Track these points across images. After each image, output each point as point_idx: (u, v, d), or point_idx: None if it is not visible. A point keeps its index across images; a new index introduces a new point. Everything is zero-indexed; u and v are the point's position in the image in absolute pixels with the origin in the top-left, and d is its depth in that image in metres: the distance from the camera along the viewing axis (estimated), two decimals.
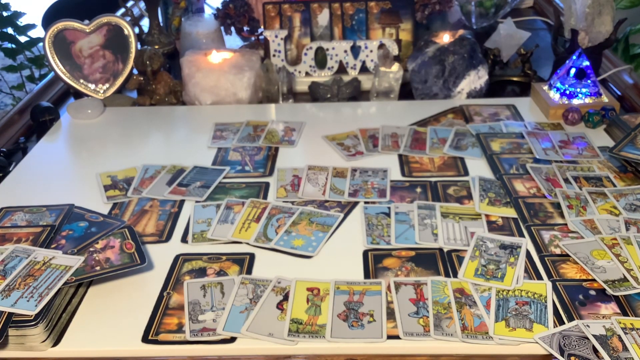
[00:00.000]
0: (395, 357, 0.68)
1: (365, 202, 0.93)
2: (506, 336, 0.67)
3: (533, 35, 1.43)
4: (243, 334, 0.69)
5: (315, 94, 1.30)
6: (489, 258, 0.79)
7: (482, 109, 1.22)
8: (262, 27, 1.42)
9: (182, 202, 0.95)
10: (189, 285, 0.76)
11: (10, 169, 1.06)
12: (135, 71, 1.32)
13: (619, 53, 2.11)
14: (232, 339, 0.69)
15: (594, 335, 0.66)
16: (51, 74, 1.43)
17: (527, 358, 0.67)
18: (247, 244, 0.85)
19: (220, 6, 1.47)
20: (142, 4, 1.65)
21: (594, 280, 0.75)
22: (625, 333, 0.66)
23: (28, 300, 0.69)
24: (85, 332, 0.71)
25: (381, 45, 1.33)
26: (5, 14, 2.42)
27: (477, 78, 1.26)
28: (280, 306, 0.73)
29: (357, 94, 1.31)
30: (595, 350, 0.64)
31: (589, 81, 1.18)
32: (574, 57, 1.18)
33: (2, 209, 0.90)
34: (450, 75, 1.25)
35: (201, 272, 0.79)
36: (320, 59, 1.34)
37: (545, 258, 0.80)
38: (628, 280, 0.74)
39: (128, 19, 1.49)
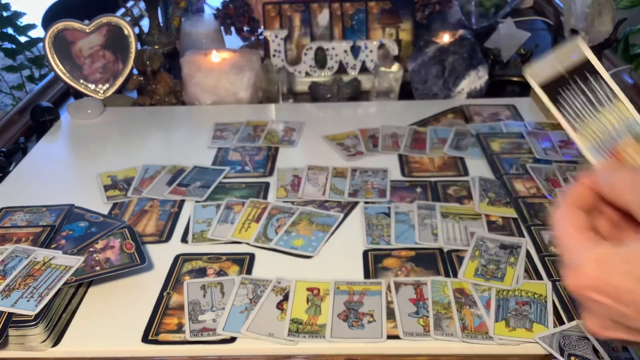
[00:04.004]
0: (395, 357, 0.68)
1: (365, 202, 0.93)
2: (506, 336, 0.67)
3: (533, 35, 1.43)
4: (243, 334, 0.69)
5: (315, 94, 1.30)
6: (489, 258, 0.79)
7: (482, 109, 1.22)
8: (262, 27, 1.42)
9: (182, 202, 0.95)
10: (189, 285, 0.76)
11: (10, 169, 1.06)
12: (135, 71, 1.32)
13: (619, 53, 2.10)
14: (232, 339, 0.69)
15: None
16: (51, 74, 1.43)
17: (527, 358, 0.67)
18: (247, 244, 0.85)
19: (220, 6, 1.47)
20: (142, 4, 1.65)
21: None
22: None
23: (28, 300, 0.69)
24: (85, 332, 0.71)
25: (381, 45, 1.33)
26: (5, 14, 2.43)
27: (477, 78, 1.26)
28: (280, 306, 0.73)
29: (357, 94, 1.31)
30: (595, 350, 0.64)
31: None
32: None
33: (2, 209, 0.90)
34: (450, 75, 1.25)
35: (201, 272, 0.79)
36: (320, 59, 1.34)
37: (545, 258, 0.80)
38: None
39: (128, 19, 1.49)
